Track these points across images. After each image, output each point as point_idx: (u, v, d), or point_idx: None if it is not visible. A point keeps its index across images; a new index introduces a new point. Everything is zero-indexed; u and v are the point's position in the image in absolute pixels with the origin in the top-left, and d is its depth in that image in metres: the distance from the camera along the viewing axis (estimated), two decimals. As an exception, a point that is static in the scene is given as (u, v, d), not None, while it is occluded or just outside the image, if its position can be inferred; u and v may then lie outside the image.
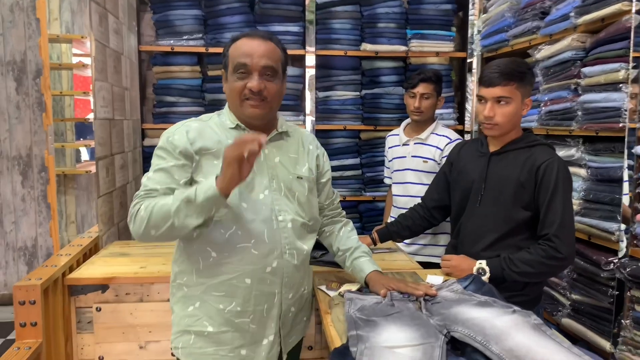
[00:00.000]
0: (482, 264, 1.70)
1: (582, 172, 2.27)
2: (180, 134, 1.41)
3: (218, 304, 1.41)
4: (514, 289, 1.70)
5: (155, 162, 1.42)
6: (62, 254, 2.04)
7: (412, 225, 2.09)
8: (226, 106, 1.52)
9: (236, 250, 1.39)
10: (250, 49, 1.39)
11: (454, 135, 2.50)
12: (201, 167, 1.40)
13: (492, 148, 1.80)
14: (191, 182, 1.40)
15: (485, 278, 1.64)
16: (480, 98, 1.73)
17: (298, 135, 1.58)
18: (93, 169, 2.33)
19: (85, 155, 4.55)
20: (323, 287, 1.66)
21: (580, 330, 2.26)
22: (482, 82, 1.71)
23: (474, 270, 1.69)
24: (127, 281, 1.88)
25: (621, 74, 2.01)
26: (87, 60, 3.91)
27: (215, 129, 1.45)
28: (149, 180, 1.39)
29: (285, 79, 1.51)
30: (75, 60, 4.13)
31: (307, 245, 1.51)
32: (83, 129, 4.30)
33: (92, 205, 4.07)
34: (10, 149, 3.94)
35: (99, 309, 1.86)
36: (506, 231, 1.73)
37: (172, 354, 1.50)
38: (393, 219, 2.62)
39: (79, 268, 1.98)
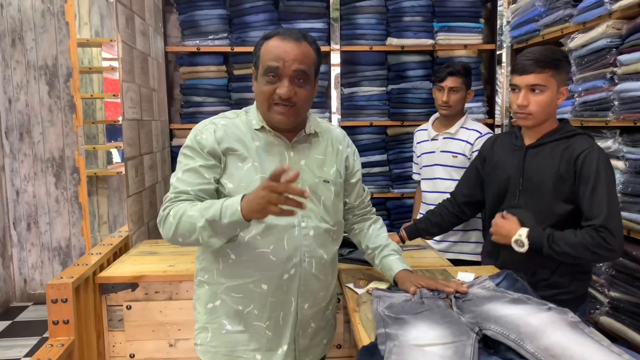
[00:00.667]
0: (522, 235, 1.62)
1: (620, 164, 2.18)
2: (208, 133, 1.38)
3: (237, 305, 1.41)
4: (560, 285, 1.68)
5: (183, 161, 1.39)
6: (93, 253, 2.07)
7: (441, 221, 2.05)
8: (254, 105, 1.48)
9: (254, 254, 1.37)
10: (283, 51, 1.32)
11: (485, 129, 2.44)
12: (227, 167, 1.38)
13: (528, 141, 1.74)
14: (217, 181, 1.38)
15: (522, 250, 1.62)
16: (514, 87, 1.67)
17: (327, 135, 1.52)
18: (124, 170, 2.37)
19: (116, 157, 4.63)
20: (351, 285, 1.64)
21: (620, 329, 2.17)
22: (516, 69, 1.65)
23: (512, 241, 1.64)
24: (156, 279, 1.89)
25: (661, 61, 1.92)
26: (116, 64, 3.98)
27: (242, 127, 1.42)
28: (178, 181, 1.36)
29: (318, 80, 1.46)
30: (105, 63, 4.21)
31: (328, 253, 1.46)
32: (114, 131, 4.38)
33: (123, 206, 4.15)
34: (44, 151, 4.05)
35: (129, 307, 1.88)
36: (547, 226, 1.65)
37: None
38: (422, 216, 2.59)
39: (110, 267, 2.00)
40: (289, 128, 1.42)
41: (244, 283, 1.39)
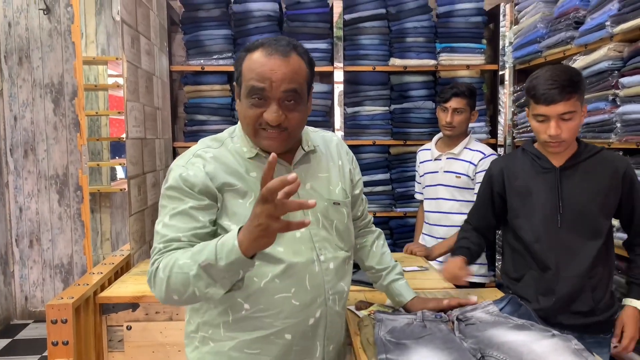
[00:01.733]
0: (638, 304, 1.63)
1: (623, 186, 2.17)
2: (195, 168, 1.17)
3: None
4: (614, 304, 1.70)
5: (168, 204, 1.16)
6: (94, 273, 2.06)
7: (478, 245, 1.89)
8: (239, 125, 1.27)
9: (274, 302, 1.18)
10: (269, 70, 1.12)
11: (488, 150, 2.43)
12: (226, 207, 1.17)
13: (557, 162, 1.65)
14: (215, 223, 1.18)
15: None
16: (541, 119, 1.58)
17: (324, 147, 1.36)
18: (127, 186, 2.37)
19: (120, 173, 4.65)
20: (352, 307, 1.63)
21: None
22: (541, 99, 1.56)
23: None
24: (157, 300, 1.88)
25: (663, 84, 1.92)
26: (122, 81, 4.02)
27: (231, 157, 1.22)
28: (165, 227, 1.13)
29: (311, 97, 1.27)
30: (110, 80, 4.25)
31: (347, 284, 1.33)
32: (119, 148, 4.41)
33: (126, 223, 4.15)
34: (48, 169, 4.06)
35: (129, 328, 1.87)
36: (599, 246, 1.62)
37: None
38: (425, 236, 2.58)
39: (111, 286, 2.00)
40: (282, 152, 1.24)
41: (262, 336, 1.20)
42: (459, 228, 1.96)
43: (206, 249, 1.01)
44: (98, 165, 4.07)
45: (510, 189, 1.74)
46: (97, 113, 4.13)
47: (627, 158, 1.62)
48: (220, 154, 1.22)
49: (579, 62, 2.40)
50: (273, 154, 0.91)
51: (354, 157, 1.46)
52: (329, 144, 1.38)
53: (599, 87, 2.30)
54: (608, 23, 2.18)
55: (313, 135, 1.36)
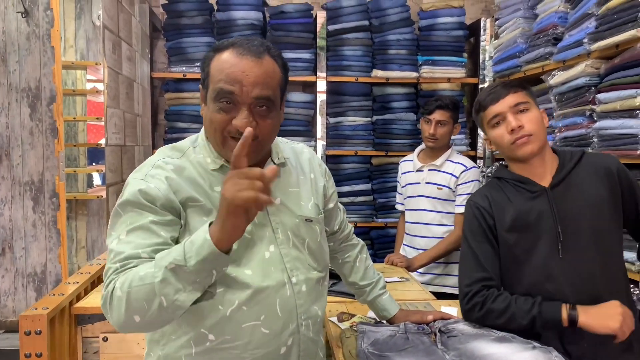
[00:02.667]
0: None
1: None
2: (156, 181, 1.03)
3: None
4: None
5: (127, 219, 1.01)
6: (70, 282, 2.01)
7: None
8: (202, 133, 1.15)
9: (242, 331, 1.06)
10: (240, 72, 1.01)
11: (470, 163, 2.46)
12: (189, 224, 1.04)
13: (543, 181, 1.41)
14: (177, 242, 1.04)
15: None
16: (496, 120, 1.41)
17: (294, 159, 1.25)
18: (104, 193, 2.33)
19: (97, 180, 4.57)
20: (334, 319, 1.62)
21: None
22: (489, 101, 1.42)
23: None
24: (134, 310, 1.85)
25: (637, 100, 1.97)
26: (101, 86, 3.97)
27: (194, 170, 1.09)
28: (121, 244, 0.98)
29: (284, 102, 1.16)
30: (89, 85, 4.19)
31: (322, 308, 1.21)
32: (96, 154, 4.33)
33: (102, 231, 4.07)
34: (23, 175, 3.97)
35: (105, 339, 1.83)
36: (619, 265, 1.40)
37: None
38: (406, 247, 2.59)
39: (87, 297, 1.95)
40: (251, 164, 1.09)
41: None
42: (464, 289, 1.43)
43: (172, 251, 0.91)
44: (75, 171, 3.99)
45: (502, 228, 1.41)
46: (74, 119, 4.05)
47: (613, 155, 1.46)
48: (182, 166, 1.09)
49: (557, 78, 2.45)
50: (249, 128, 0.84)
51: (327, 169, 1.36)
52: (299, 156, 1.28)
53: (576, 103, 2.35)
54: (585, 40, 2.24)
55: (283, 146, 1.25)
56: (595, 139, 2.21)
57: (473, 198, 1.50)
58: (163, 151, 1.13)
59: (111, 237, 1.01)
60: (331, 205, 1.34)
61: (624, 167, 1.40)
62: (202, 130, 1.15)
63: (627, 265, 2.00)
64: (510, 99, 1.39)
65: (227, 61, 1.03)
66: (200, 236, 0.88)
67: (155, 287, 0.89)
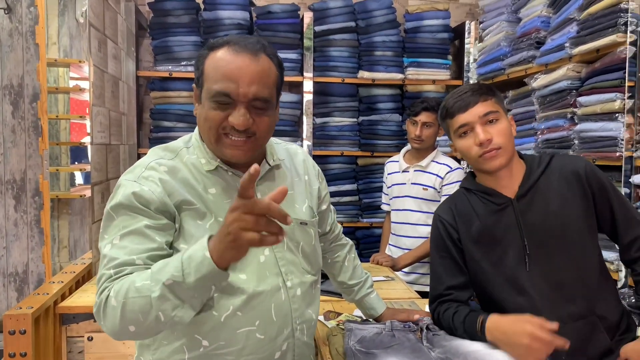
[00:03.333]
0: None
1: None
2: (150, 183, 1.01)
3: None
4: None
5: (119, 223, 0.98)
6: (55, 282, 2.00)
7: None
8: (196, 133, 1.13)
9: (236, 337, 1.04)
10: (236, 70, 1.00)
11: (455, 164, 2.50)
12: (183, 229, 1.02)
13: (509, 192, 1.35)
14: (171, 246, 1.02)
15: None
16: (464, 129, 1.34)
17: (288, 161, 1.23)
18: (87, 192, 2.31)
19: (80, 179, 4.52)
20: (321, 317, 1.63)
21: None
22: (456, 109, 1.34)
23: None
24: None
25: (617, 104, 2.03)
26: (84, 84, 3.92)
27: (187, 172, 1.07)
28: (115, 249, 0.96)
29: (279, 101, 1.14)
30: (72, 83, 4.14)
31: (315, 312, 1.20)
32: (78, 153, 4.28)
33: (85, 230, 4.03)
34: (4, 173, 3.91)
35: (90, 339, 1.82)
36: (593, 274, 1.31)
37: None
38: (391, 247, 2.61)
39: (71, 296, 1.94)
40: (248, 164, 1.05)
41: None
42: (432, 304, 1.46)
43: (169, 265, 0.88)
44: (57, 170, 3.94)
45: (468, 240, 1.39)
46: (57, 117, 4.00)
47: (582, 157, 1.39)
48: (175, 167, 1.06)
49: (540, 81, 2.50)
50: (255, 165, 0.78)
51: (320, 171, 1.34)
52: (293, 157, 1.26)
53: (558, 105, 2.40)
54: (567, 44, 2.29)
55: (277, 147, 1.23)
56: (576, 141, 2.26)
57: (438, 210, 1.47)
58: (155, 152, 1.11)
59: (104, 240, 0.99)
60: (324, 207, 1.34)
61: (593, 168, 1.34)
62: (196, 130, 1.13)
63: (606, 264, 2.04)
64: (480, 109, 1.32)
65: (223, 59, 1.01)
66: (199, 253, 0.85)
67: (152, 302, 0.87)
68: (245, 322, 1.04)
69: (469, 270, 1.40)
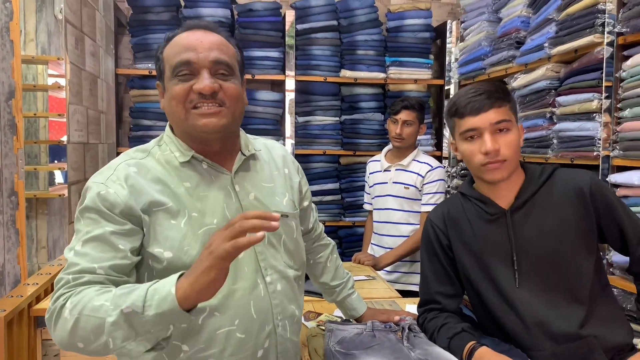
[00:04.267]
0: None
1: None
2: (117, 186, 0.98)
3: None
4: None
5: (83, 228, 0.96)
6: (29, 283, 1.96)
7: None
8: (167, 130, 1.12)
9: (216, 338, 1.02)
10: (194, 41, 1.02)
11: (435, 163, 2.51)
12: (155, 231, 0.99)
13: (504, 202, 1.30)
14: (139, 252, 1.00)
15: None
16: (471, 134, 1.26)
17: (265, 153, 1.22)
18: (66, 192, 2.27)
19: (60, 178, 4.44)
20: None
21: None
22: (467, 110, 1.26)
23: None
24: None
25: (594, 104, 2.05)
26: (63, 82, 3.86)
27: (160, 168, 1.05)
28: (77, 256, 0.94)
29: (245, 86, 1.14)
30: (51, 81, 4.07)
31: (299, 307, 1.18)
32: (58, 151, 4.21)
33: (64, 230, 3.96)
34: (-20, 172, 3.82)
35: (66, 342, 1.78)
36: (587, 287, 1.24)
37: None
38: (374, 246, 2.62)
39: (47, 298, 1.90)
40: (223, 149, 1.09)
41: None
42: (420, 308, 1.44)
43: (134, 292, 0.85)
44: (35, 169, 3.87)
45: (459, 251, 1.35)
46: (35, 115, 3.93)
47: (587, 171, 1.29)
48: (147, 165, 1.04)
49: (519, 81, 2.52)
50: (275, 215, 0.82)
51: (300, 167, 1.33)
52: (271, 150, 1.25)
53: (537, 105, 2.42)
54: (546, 44, 2.31)
55: (253, 140, 1.23)
56: (555, 141, 2.29)
57: (431, 215, 1.43)
58: (127, 153, 1.09)
59: (69, 246, 0.97)
60: (306, 203, 1.33)
61: (599, 185, 1.26)
62: (167, 127, 1.12)
63: (611, 269, 1.98)
64: (492, 115, 1.24)
65: (180, 37, 1.04)
66: (165, 288, 0.83)
67: (106, 326, 0.84)
68: (224, 322, 1.02)
69: (462, 277, 1.36)
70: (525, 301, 1.24)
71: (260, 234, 0.80)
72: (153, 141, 1.13)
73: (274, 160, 1.23)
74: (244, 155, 1.13)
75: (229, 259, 0.82)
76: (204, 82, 1.00)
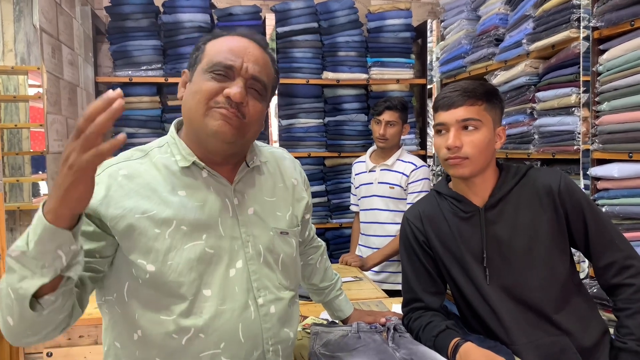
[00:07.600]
0: None
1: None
2: (97, 186, 0.90)
3: None
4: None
5: None
6: (11, 297, 1.93)
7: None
8: (171, 131, 1.06)
9: None
10: (243, 48, 1.00)
11: (419, 162, 2.52)
12: (138, 240, 0.94)
13: (479, 201, 1.32)
14: (105, 258, 0.97)
15: None
16: (440, 127, 1.30)
17: (272, 165, 1.16)
18: (47, 204, 2.24)
19: (44, 188, 4.39)
20: (287, 322, 1.61)
21: None
22: (441, 105, 1.29)
23: None
24: (80, 322, 1.76)
25: (573, 98, 2.07)
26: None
27: (155, 173, 1.00)
28: None
29: (267, 111, 1.12)
30: (32, 91, 4.02)
31: (294, 330, 1.11)
32: (41, 162, 4.16)
33: (49, 242, 3.91)
34: (-40, 186, 3.76)
35: (50, 354, 1.75)
36: (560, 285, 1.26)
37: None
38: (361, 247, 2.61)
39: (29, 311, 1.87)
40: (228, 158, 1.04)
41: None
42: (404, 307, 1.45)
43: (21, 237, 0.81)
44: (17, 181, 3.82)
45: (437, 245, 1.36)
46: (16, 126, 3.87)
47: (559, 170, 1.32)
48: (139, 170, 0.99)
49: (499, 78, 2.54)
50: (113, 93, 0.72)
51: (306, 178, 1.27)
52: (279, 162, 1.18)
53: (518, 101, 2.44)
54: (524, 41, 2.33)
55: (262, 149, 1.17)
56: (536, 136, 2.30)
57: (408, 213, 1.44)
58: (125, 153, 1.05)
59: None
60: (308, 216, 1.27)
61: (569, 185, 1.27)
62: (171, 128, 1.07)
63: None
64: (461, 112, 1.26)
65: (231, 39, 1.02)
66: (37, 215, 0.78)
67: (5, 280, 0.80)
68: (208, 344, 0.96)
69: (443, 273, 1.37)
70: (499, 298, 1.27)
71: (116, 104, 0.72)
72: (156, 141, 1.08)
73: (281, 172, 1.17)
74: (248, 166, 1.08)
75: (93, 167, 0.76)
76: (237, 89, 0.96)
